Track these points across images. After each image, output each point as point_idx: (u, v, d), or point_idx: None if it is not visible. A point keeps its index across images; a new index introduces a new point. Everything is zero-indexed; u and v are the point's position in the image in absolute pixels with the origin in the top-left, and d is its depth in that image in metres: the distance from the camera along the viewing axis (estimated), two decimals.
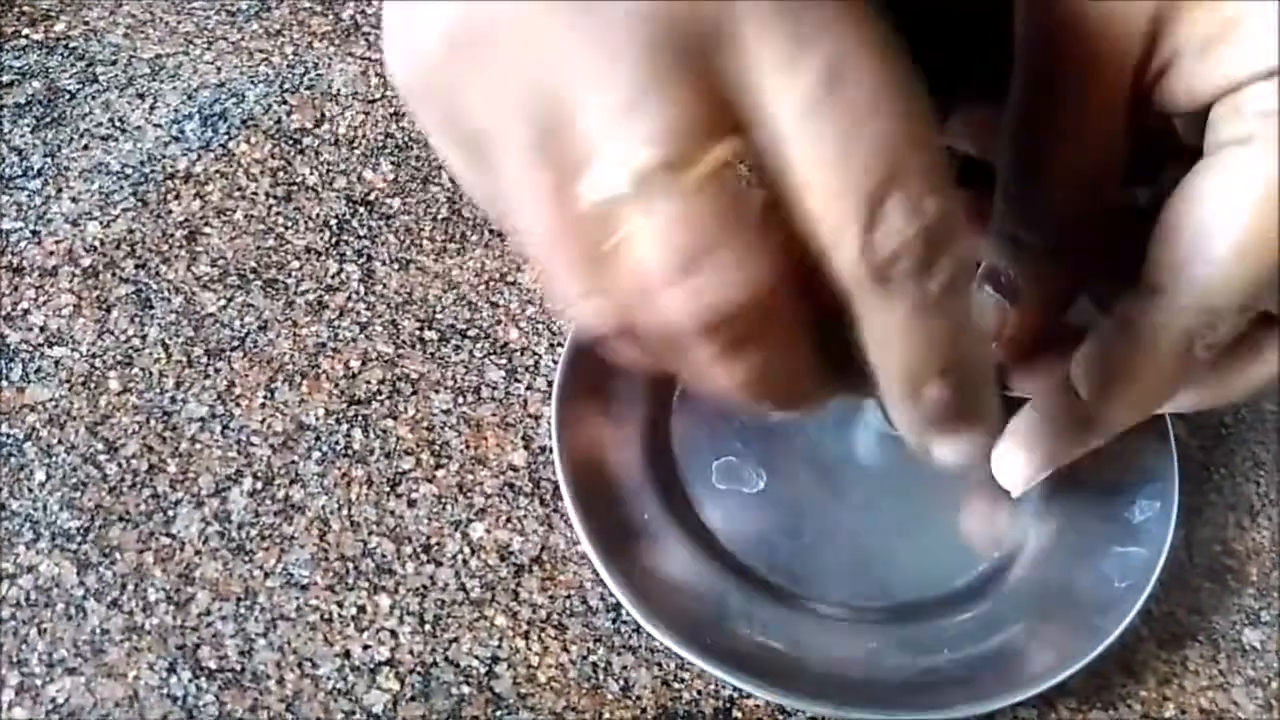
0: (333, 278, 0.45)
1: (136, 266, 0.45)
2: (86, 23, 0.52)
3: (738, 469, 0.42)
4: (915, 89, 0.19)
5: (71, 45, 0.51)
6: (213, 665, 0.37)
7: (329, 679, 0.37)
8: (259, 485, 0.40)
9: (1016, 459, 0.30)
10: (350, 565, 0.39)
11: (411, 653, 0.38)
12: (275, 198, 0.47)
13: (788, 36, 0.18)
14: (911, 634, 0.39)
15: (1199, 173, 0.24)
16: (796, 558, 0.40)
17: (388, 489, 0.41)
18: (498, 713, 0.37)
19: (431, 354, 0.44)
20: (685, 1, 0.19)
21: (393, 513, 0.40)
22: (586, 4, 0.19)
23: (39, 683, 0.36)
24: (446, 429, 0.42)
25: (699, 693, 0.38)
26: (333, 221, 0.47)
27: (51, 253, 0.45)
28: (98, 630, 0.38)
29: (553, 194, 0.20)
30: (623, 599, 0.37)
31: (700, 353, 0.21)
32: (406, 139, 0.49)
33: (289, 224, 0.46)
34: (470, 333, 0.44)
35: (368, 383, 0.43)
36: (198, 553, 0.39)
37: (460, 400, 0.43)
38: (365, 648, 0.38)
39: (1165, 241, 0.24)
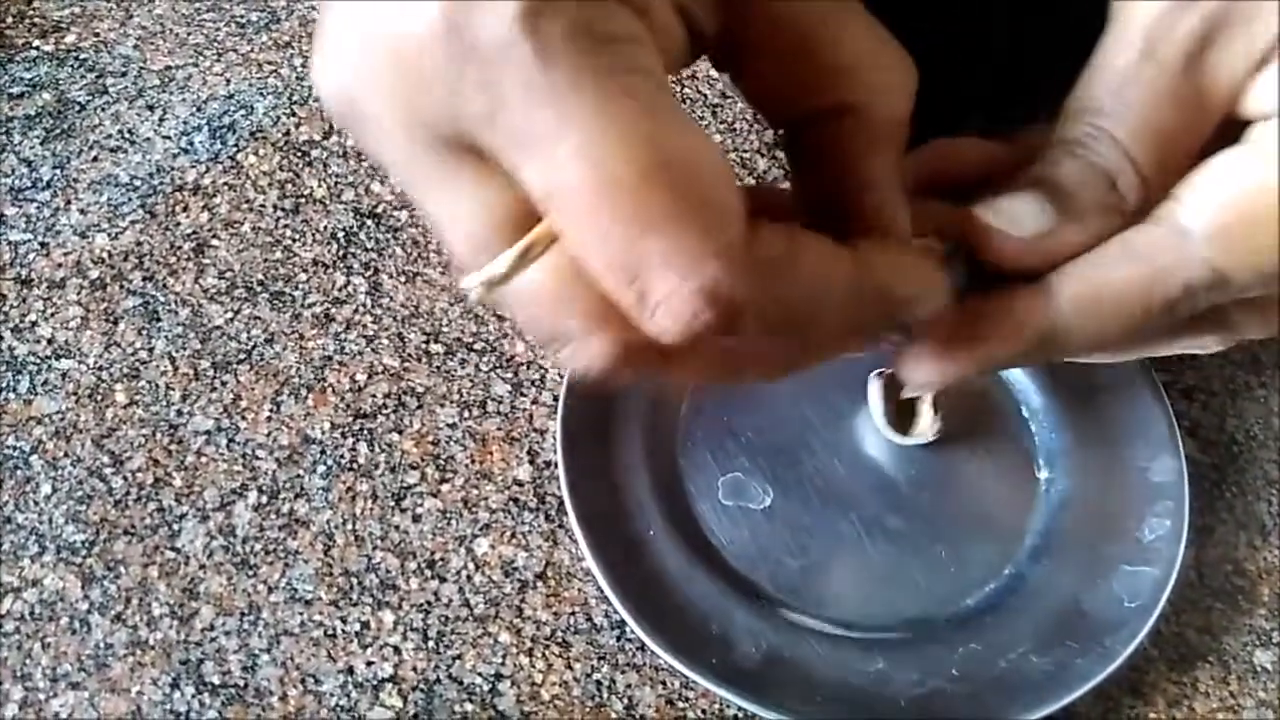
0: (340, 290, 0.45)
1: (144, 279, 0.45)
2: (97, 34, 0.52)
3: (744, 485, 0.41)
4: (679, 147, 0.18)
5: (82, 57, 0.52)
6: (216, 681, 0.37)
7: (332, 695, 0.37)
8: (264, 499, 0.40)
9: (939, 358, 0.26)
10: (354, 580, 0.39)
11: (415, 669, 0.38)
12: (283, 210, 0.47)
13: (513, 147, 0.18)
14: (919, 654, 0.39)
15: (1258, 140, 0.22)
16: (803, 575, 0.40)
17: (392, 503, 0.41)
18: None
19: (437, 367, 0.44)
20: (434, 114, 0.18)
21: (397, 527, 0.40)
22: (364, 118, 0.19)
23: (42, 697, 0.36)
24: (452, 443, 0.42)
25: (704, 712, 0.37)
26: (340, 234, 0.47)
27: (60, 265, 0.45)
28: (101, 645, 0.37)
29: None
30: (627, 616, 0.37)
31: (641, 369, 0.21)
32: None
33: (296, 236, 0.46)
34: (476, 346, 0.44)
35: (373, 396, 0.43)
36: (202, 567, 0.39)
37: (466, 414, 0.43)
38: (369, 664, 0.38)
39: (1207, 188, 0.23)
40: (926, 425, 0.41)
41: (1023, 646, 0.38)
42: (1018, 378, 0.44)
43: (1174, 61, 0.23)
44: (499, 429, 0.42)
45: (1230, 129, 0.23)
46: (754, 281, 0.19)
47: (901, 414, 0.42)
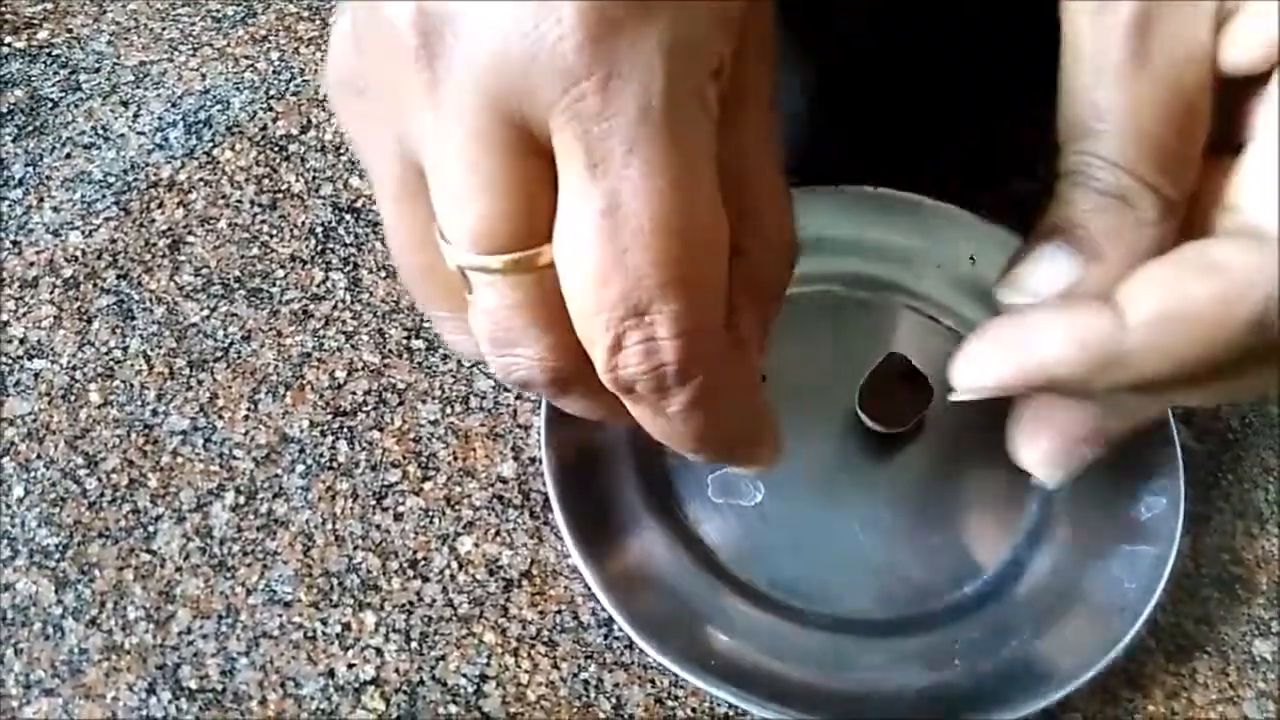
0: (318, 286, 0.44)
1: (118, 277, 0.44)
2: (70, 30, 0.51)
3: (734, 482, 0.41)
4: (701, 215, 0.20)
5: (55, 53, 0.51)
6: (193, 685, 0.36)
7: (312, 699, 0.36)
8: (241, 500, 0.39)
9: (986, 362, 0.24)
10: (335, 581, 0.38)
11: (397, 671, 0.37)
12: (260, 205, 0.46)
13: (607, 156, 0.19)
14: (919, 646, 0.38)
15: None
16: (797, 571, 0.39)
17: (373, 502, 0.40)
18: None
19: (419, 363, 0.43)
20: (516, 89, 0.19)
21: (378, 527, 0.39)
22: (431, 71, 0.19)
23: (15, 704, 0.36)
24: (434, 440, 0.41)
25: (694, 710, 0.37)
26: (318, 229, 0.46)
27: (32, 263, 0.44)
28: (76, 650, 0.37)
29: (411, 241, 0.23)
30: (615, 614, 0.36)
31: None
32: None
33: (274, 232, 0.46)
34: None
35: (353, 393, 0.42)
36: (178, 569, 0.38)
37: (448, 410, 0.42)
38: (350, 666, 0.37)
39: (1265, 186, 0.21)
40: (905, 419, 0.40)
41: (1024, 633, 0.37)
42: None
43: (1123, 59, 0.22)
44: (482, 425, 0.41)
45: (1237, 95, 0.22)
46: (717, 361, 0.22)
47: (886, 402, 0.41)
